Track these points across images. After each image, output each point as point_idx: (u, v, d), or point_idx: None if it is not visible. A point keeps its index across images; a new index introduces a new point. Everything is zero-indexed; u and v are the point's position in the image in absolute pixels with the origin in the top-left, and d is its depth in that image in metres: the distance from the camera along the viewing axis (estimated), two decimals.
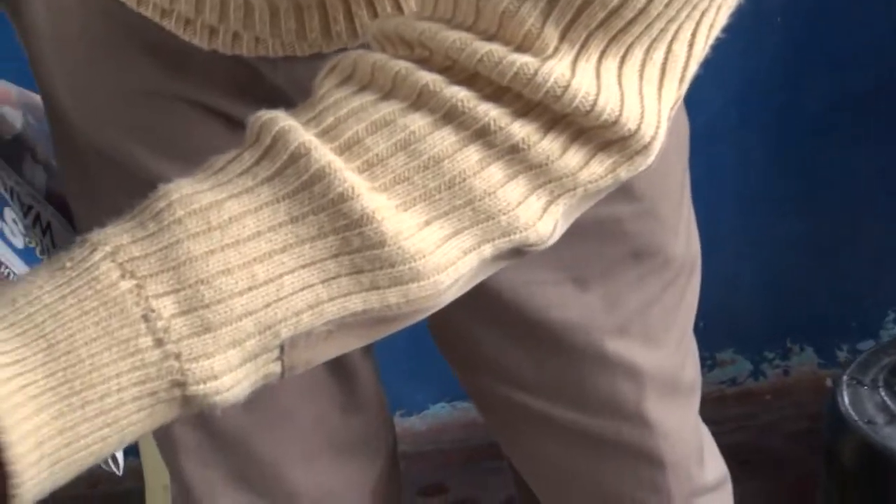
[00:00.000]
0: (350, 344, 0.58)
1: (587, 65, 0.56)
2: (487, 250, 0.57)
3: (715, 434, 1.05)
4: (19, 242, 0.91)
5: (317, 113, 0.56)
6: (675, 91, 0.59)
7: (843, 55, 1.77)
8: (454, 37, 0.56)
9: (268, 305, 0.53)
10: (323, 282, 0.54)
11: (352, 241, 0.54)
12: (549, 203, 0.58)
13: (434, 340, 0.95)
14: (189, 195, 0.54)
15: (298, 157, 0.54)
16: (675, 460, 0.96)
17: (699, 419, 1.01)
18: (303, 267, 0.54)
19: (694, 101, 0.75)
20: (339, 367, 0.93)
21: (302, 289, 0.54)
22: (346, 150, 0.55)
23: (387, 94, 0.56)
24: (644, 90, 0.58)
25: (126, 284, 0.51)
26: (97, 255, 0.52)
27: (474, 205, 0.56)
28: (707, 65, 0.60)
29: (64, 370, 0.50)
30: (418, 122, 0.55)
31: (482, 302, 0.85)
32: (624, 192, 0.83)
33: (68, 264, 0.52)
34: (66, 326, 0.50)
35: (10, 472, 0.48)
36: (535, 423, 0.95)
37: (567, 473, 0.97)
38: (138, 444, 1.51)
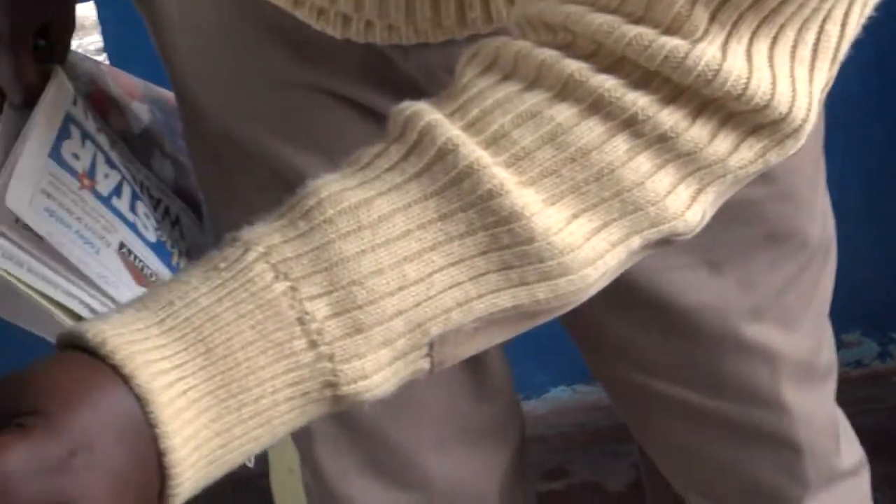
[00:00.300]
0: (497, 338, 0.58)
1: (738, 47, 0.55)
2: (636, 242, 0.56)
3: None
4: (151, 236, 0.93)
5: (461, 104, 0.56)
6: (826, 72, 0.57)
7: None
8: (600, 20, 0.55)
9: (418, 304, 0.53)
10: (472, 279, 0.54)
11: (501, 237, 0.54)
12: (699, 191, 0.57)
13: (565, 326, 0.94)
14: (338, 192, 0.53)
15: (446, 154, 0.54)
16: (813, 445, 0.94)
17: (835, 403, 0.99)
18: (452, 265, 0.53)
19: None
20: (470, 357, 0.93)
21: (451, 286, 0.54)
22: (492, 143, 0.54)
23: (531, 84, 0.56)
24: (796, 72, 0.56)
25: (280, 287, 0.51)
26: (250, 256, 0.52)
27: (622, 196, 0.55)
28: None
29: (222, 374, 0.50)
30: (565, 112, 0.55)
31: (615, 287, 0.84)
32: (761, 174, 0.81)
33: (222, 265, 0.52)
34: (223, 330, 0.51)
35: (170, 474, 0.49)
36: (667, 409, 0.94)
37: (700, 459, 0.96)
38: None
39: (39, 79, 0.86)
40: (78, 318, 0.82)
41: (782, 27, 0.55)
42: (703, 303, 0.87)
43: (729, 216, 0.84)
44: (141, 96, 1.02)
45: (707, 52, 0.54)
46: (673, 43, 0.54)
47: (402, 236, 0.53)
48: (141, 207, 0.93)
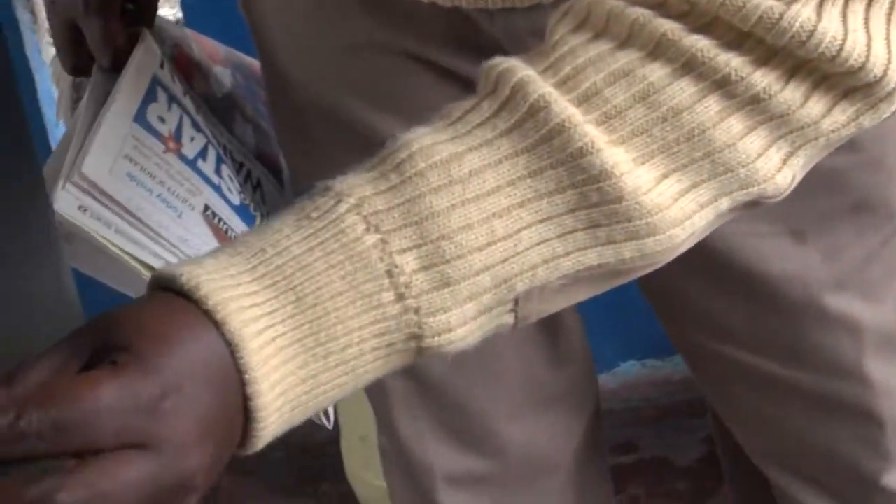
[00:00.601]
0: (581, 295, 0.58)
1: (833, 8, 0.54)
2: (724, 203, 0.56)
3: None
4: (235, 199, 0.93)
5: (553, 61, 0.56)
6: None
7: None
8: None
9: (505, 260, 0.53)
10: (559, 236, 0.54)
11: (590, 195, 0.54)
12: (790, 154, 0.57)
13: (644, 295, 0.94)
14: (429, 146, 0.54)
15: (538, 110, 0.54)
16: (895, 419, 0.93)
17: None
18: (540, 222, 0.54)
19: None
20: (547, 321, 0.93)
21: (539, 243, 0.54)
22: (584, 101, 0.54)
23: (623, 43, 0.56)
24: (891, 34, 0.56)
25: (371, 239, 0.52)
26: (342, 207, 0.52)
27: (713, 157, 0.55)
28: None
29: (311, 322, 0.51)
30: (657, 72, 0.55)
31: (695, 254, 0.83)
32: (848, 141, 0.80)
33: (314, 214, 0.53)
34: (314, 280, 0.51)
35: (256, 417, 0.50)
36: (746, 378, 0.93)
37: (779, 430, 0.95)
38: None
39: (128, 43, 0.87)
40: None
41: None
42: (786, 272, 0.87)
43: (814, 185, 0.82)
44: (223, 60, 1.02)
45: (802, 13, 0.54)
46: (767, 4, 0.54)
47: (492, 192, 0.53)
48: (225, 170, 0.94)
